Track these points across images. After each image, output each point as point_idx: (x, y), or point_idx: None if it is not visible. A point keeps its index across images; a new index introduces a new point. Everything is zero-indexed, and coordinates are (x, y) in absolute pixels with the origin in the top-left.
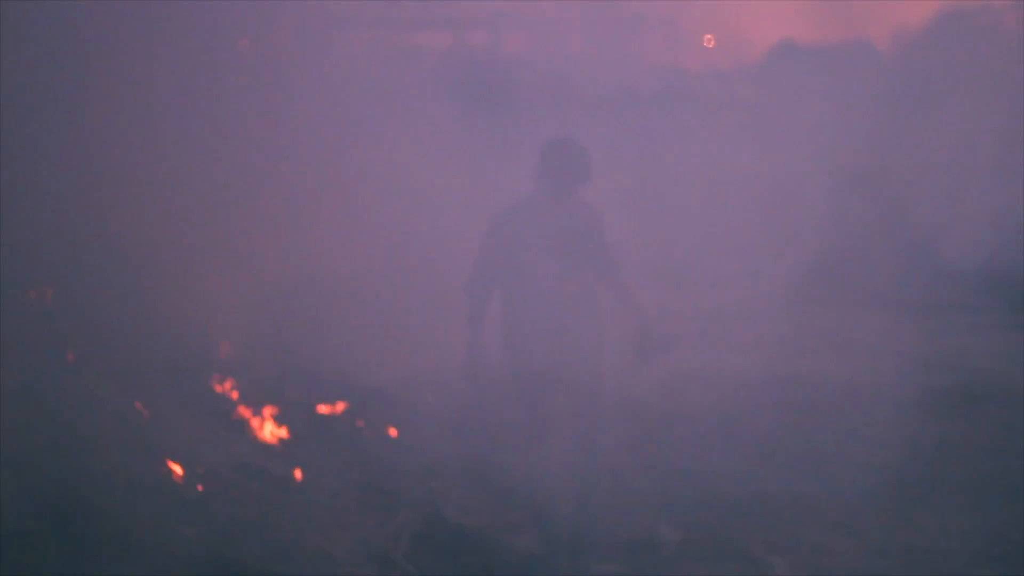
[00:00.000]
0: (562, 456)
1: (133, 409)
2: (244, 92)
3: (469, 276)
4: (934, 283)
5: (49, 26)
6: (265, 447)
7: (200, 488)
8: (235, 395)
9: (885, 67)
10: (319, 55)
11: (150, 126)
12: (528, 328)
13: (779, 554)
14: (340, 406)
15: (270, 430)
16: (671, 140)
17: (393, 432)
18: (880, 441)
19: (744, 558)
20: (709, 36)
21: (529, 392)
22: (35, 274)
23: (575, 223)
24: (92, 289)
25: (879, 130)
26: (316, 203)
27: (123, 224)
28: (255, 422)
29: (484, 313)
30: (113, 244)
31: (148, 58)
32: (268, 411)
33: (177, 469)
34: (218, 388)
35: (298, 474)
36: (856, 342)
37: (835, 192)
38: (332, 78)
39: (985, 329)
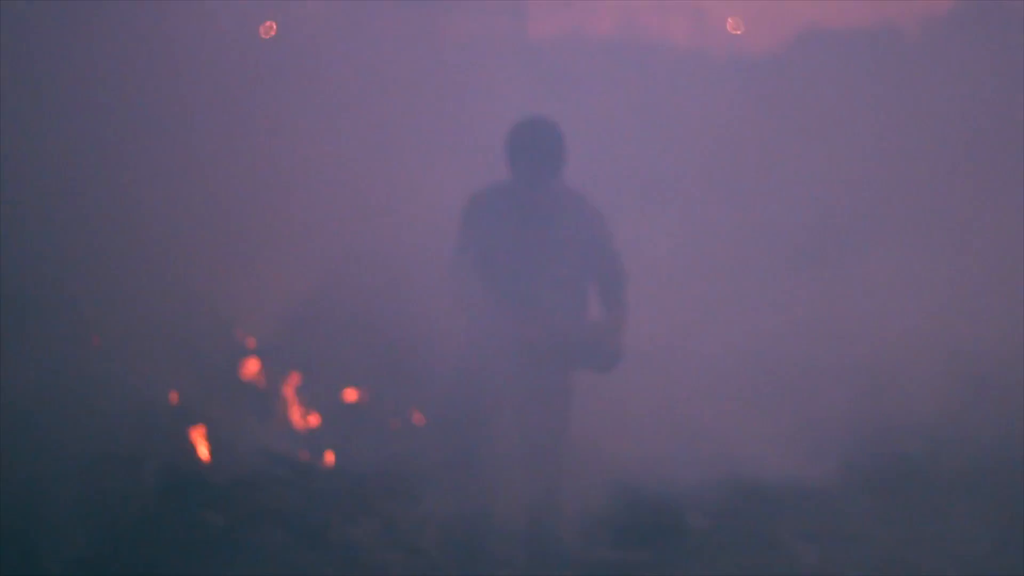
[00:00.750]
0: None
1: (161, 394)
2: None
3: (451, 260)
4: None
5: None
6: (291, 433)
7: (226, 474)
8: (261, 380)
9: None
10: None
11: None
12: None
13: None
14: (365, 393)
15: (296, 416)
16: (694, 128)
17: (419, 419)
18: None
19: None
20: (734, 21)
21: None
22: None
23: (571, 225)
24: (118, 275)
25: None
26: (352, 190)
27: (151, 206)
28: (281, 408)
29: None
30: (139, 227)
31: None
32: (294, 397)
33: (204, 454)
34: (244, 374)
35: (326, 459)
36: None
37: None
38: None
39: None
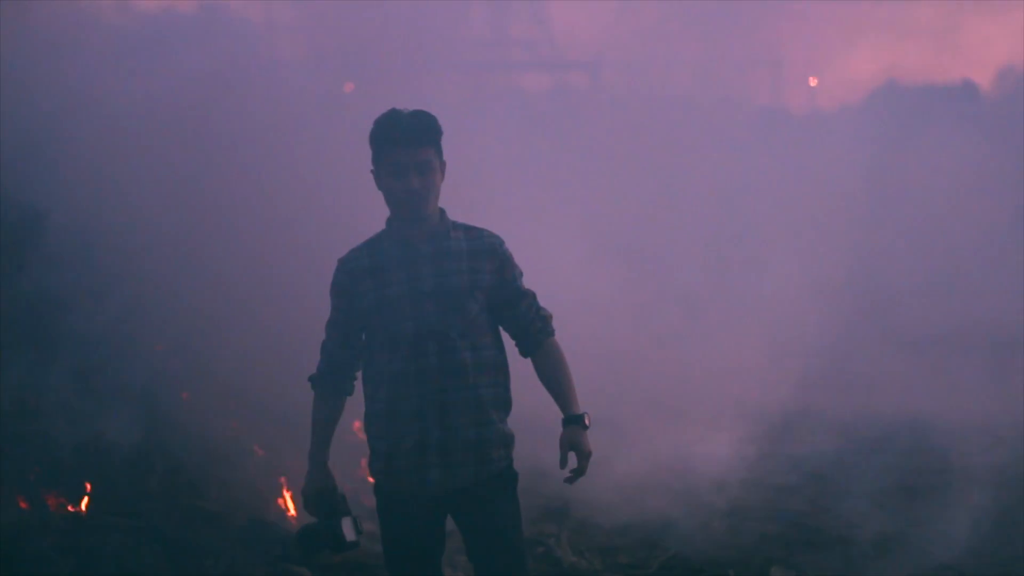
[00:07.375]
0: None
1: (247, 448)
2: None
3: (319, 362)
4: None
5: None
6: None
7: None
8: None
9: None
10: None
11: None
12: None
13: None
14: None
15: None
16: (775, 180)
17: None
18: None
19: None
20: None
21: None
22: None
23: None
24: (206, 333)
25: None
26: None
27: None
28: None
29: (339, 412)
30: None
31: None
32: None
33: (290, 507)
34: None
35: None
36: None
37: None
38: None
39: None
